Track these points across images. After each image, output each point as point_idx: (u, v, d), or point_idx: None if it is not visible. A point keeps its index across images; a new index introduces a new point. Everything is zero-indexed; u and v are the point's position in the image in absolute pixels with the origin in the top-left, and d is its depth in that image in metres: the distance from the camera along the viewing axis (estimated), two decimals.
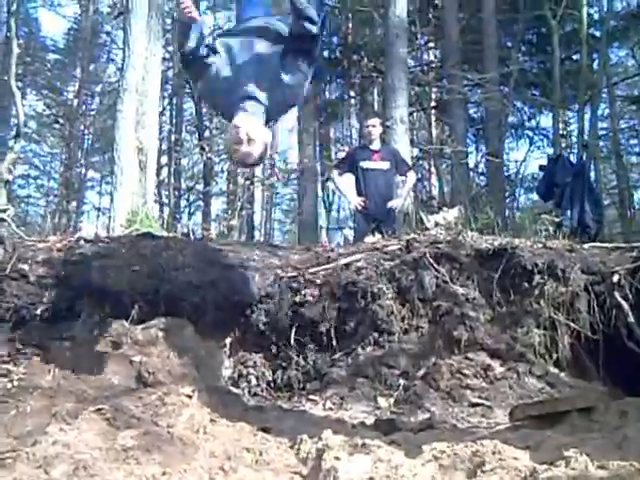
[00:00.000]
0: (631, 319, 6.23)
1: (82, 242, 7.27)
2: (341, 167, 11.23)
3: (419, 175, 25.54)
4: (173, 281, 6.78)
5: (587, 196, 13.17)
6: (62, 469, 3.77)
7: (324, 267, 7.28)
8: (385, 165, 10.76)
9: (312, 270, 7.24)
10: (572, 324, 6.53)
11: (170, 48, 25.51)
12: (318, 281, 7.08)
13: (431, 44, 25.76)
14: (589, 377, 6.36)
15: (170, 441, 4.33)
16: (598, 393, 5.70)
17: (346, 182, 11.20)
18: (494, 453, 3.64)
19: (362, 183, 10.74)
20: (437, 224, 9.15)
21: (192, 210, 31.55)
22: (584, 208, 12.83)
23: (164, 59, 20.85)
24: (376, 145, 10.99)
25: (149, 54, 11.43)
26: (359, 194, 10.72)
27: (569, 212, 12.74)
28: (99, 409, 4.68)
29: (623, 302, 6.34)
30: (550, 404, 5.05)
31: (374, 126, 11.09)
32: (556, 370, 6.43)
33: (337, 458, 3.94)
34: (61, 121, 32.65)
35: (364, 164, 10.72)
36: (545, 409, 4.83)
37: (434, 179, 27.03)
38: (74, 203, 33.67)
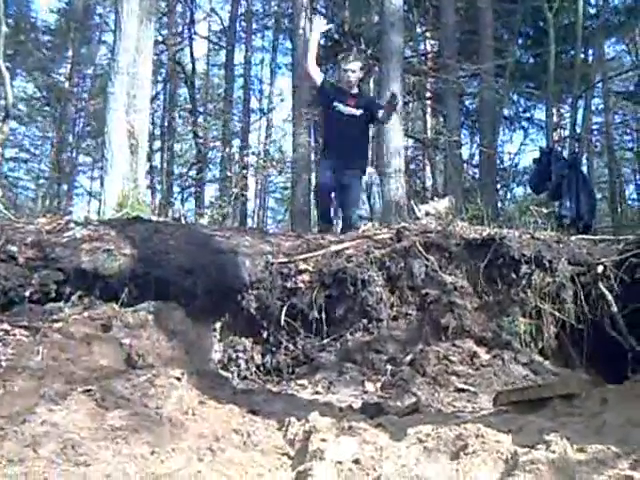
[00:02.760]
0: (614, 309, 6.31)
1: (72, 225, 7.30)
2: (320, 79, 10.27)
3: (413, 165, 25.52)
4: (164, 265, 6.82)
5: (582, 188, 13.23)
6: (50, 448, 3.80)
7: (315, 254, 7.32)
8: (358, 112, 9.88)
9: (303, 257, 7.27)
10: (557, 314, 6.62)
11: (164, 32, 25.43)
12: (309, 268, 7.13)
13: (428, 34, 25.73)
14: (573, 365, 6.45)
15: (159, 422, 4.37)
16: (580, 380, 5.77)
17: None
18: (477, 436, 3.69)
19: (332, 126, 10.18)
20: (428, 214, 9.21)
21: (185, 196, 31.54)
22: (580, 200, 12.88)
23: (157, 42, 20.79)
24: (354, 91, 10.10)
25: (141, 36, 11.39)
26: (327, 136, 10.46)
27: (568, 203, 12.76)
28: (88, 390, 4.70)
29: (607, 292, 6.42)
30: (533, 390, 5.11)
31: (353, 71, 10.06)
32: (541, 358, 6.51)
33: (324, 440, 3.99)
34: (54, 104, 32.48)
35: (338, 106, 9.89)
36: (528, 395, 4.89)
37: (428, 170, 27.06)
38: (65, 187, 33.57)
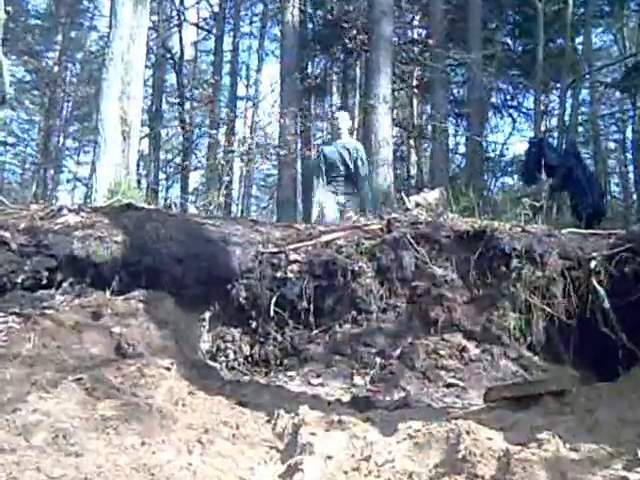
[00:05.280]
0: (607, 305, 6.30)
1: (64, 211, 7.29)
2: None
3: (398, 154, 25.50)
4: (155, 253, 6.81)
5: (589, 177, 13.21)
6: (42, 437, 3.80)
7: (305, 244, 7.32)
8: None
9: (293, 247, 7.27)
10: (547, 308, 6.60)
11: (154, 17, 25.32)
12: (299, 258, 7.13)
13: (416, 22, 25.66)
14: (561, 361, 6.43)
15: (149, 412, 4.37)
16: (571, 377, 5.77)
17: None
18: (468, 433, 3.70)
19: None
20: (418, 205, 9.19)
21: (170, 183, 31.47)
22: (593, 189, 12.82)
23: (148, 28, 20.74)
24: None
25: (135, 23, 11.42)
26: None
27: (586, 193, 12.61)
28: (79, 379, 4.70)
29: (600, 288, 6.41)
30: (524, 386, 5.12)
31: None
32: (529, 353, 6.50)
33: (313, 434, 4.00)
34: (42, 88, 32.35)
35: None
36: (519, 391, 4.89)
37: (413, 159, 27.02)
38: (51, 171, 33.48)
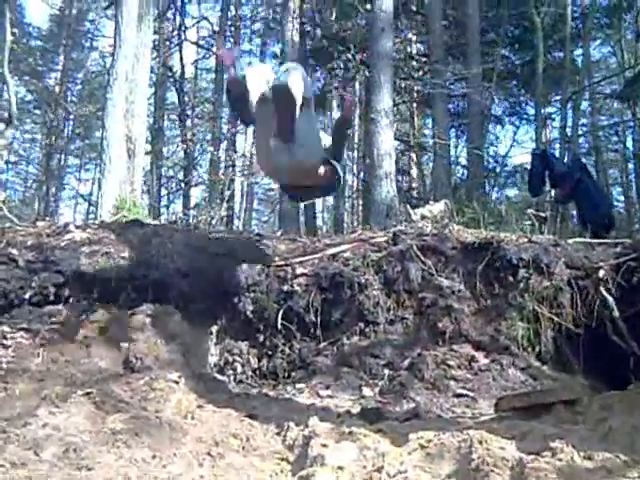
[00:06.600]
0: (616, 314, 6.30)
1: (71, 228, 7.31)
2: None
3: (399, 166, 25.54)
4: (161, 268, 6.82)
5: (597, 190, 13.16)
6: (52, 451, 3.80)
7: (311, 257, 7.31)
8: None
9: (299, 260, 7.27)
10: (555, 318, 6.60)
11: (155, 37, 25.44)
12: (305, 271, 7.12)
13: (414, 38, 25.71)
14: (570, 370, 6.42)
15: (158, 426, 4.36)
16: (581, 386, 5.76)
17: None
18: (481, 443, 3.67)
19: None
20: (423, 217, 9.20)
21: (171, 198, 31.50)
22: (601, 202, 12.76)
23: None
24: None
25: (139, 42, 11.52)
26: None
27: (594, 206, 12.47)
28: (88, 393, 4.70)
29: (609, 297, 6.41)
30: (535, 396, 5.08)
31: None
32: (538, 363, 6.49)
33: (325, 445, 3.98)
34: (44, 107, 32.54)
35: None
36: (531, 400, 4.86)
37: (414, 172, 27.06)
38: (53, 189, 33.60)
